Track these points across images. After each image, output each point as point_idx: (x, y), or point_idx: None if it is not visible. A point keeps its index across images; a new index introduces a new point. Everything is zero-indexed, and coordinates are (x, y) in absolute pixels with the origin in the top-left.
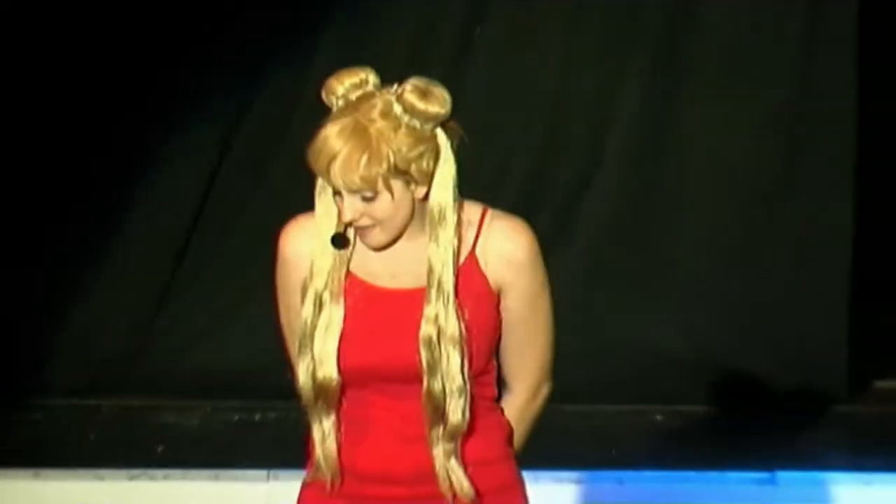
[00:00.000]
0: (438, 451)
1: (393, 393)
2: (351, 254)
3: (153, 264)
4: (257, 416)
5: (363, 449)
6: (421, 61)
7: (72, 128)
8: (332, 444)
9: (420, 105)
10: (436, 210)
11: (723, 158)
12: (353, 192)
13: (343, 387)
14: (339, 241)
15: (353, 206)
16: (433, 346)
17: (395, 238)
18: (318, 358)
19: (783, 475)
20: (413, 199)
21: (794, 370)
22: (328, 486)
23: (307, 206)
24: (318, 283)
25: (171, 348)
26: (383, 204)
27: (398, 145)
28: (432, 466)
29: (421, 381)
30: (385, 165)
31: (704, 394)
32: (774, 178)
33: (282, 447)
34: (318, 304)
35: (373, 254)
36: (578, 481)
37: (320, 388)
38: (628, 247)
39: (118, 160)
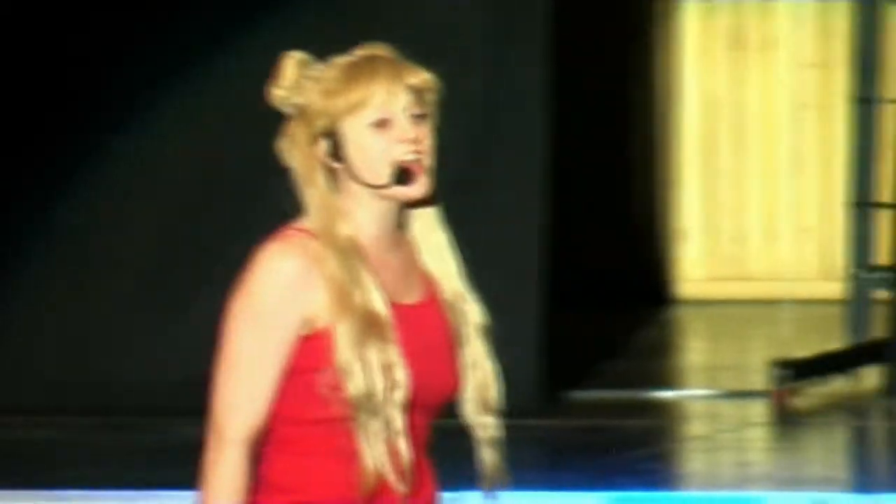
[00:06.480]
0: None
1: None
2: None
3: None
4: None
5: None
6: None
7: None
8: (384, 456)
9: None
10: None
11: None
12: (415, 99)
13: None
14: (404, 174)
15: (407, 127)
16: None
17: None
18: (388, 361)
19: (469, 495)
20: None
21: None
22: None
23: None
24: (364, 293)
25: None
26: (429, 129)
27: None
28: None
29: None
30: None
31: None
32: (458, 174)
33: None
34: (369, 315)
35: (378, 266)
36: None
37: (392, 386)
38: None
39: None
